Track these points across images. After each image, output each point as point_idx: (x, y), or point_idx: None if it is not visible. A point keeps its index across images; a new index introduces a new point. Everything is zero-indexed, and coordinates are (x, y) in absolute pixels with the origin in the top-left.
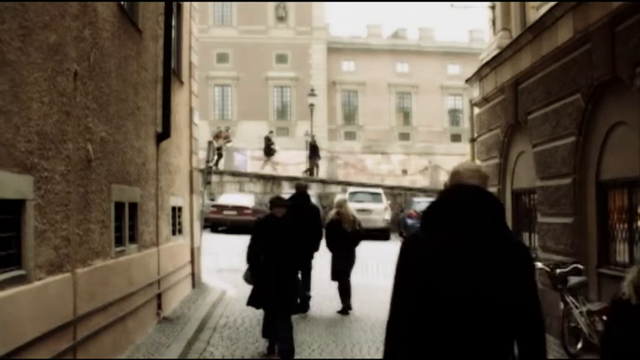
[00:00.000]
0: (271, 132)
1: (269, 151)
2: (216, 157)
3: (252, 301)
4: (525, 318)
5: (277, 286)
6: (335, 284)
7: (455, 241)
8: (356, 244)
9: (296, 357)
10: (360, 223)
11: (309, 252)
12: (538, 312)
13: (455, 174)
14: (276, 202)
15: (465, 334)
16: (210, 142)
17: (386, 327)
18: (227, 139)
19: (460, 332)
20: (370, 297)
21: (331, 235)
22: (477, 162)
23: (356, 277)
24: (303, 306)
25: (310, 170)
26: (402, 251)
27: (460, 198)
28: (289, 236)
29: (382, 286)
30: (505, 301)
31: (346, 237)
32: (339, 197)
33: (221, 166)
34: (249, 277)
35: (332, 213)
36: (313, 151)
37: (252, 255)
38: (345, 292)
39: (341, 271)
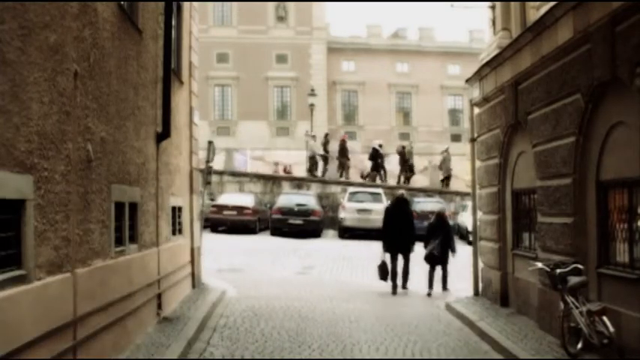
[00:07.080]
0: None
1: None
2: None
3: None
4: (409, 228)
5: None
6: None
7: (396, 208)
8: None
9: (296, 357)
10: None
11: None
12: (413, 228)
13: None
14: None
15: (397, 232)
16: (210, 142)
17: (382, 232)
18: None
19: (396, 231)
20: (369, 297)
21: None
22: (477, 162)
23: (355, 277)
24: None
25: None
26: (385, 210)
27: (397, 199)
28: None
29: (379, 285)
30: (407, 221)
31: None
32: None
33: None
34: None
35: None
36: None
37: None
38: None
39: None
